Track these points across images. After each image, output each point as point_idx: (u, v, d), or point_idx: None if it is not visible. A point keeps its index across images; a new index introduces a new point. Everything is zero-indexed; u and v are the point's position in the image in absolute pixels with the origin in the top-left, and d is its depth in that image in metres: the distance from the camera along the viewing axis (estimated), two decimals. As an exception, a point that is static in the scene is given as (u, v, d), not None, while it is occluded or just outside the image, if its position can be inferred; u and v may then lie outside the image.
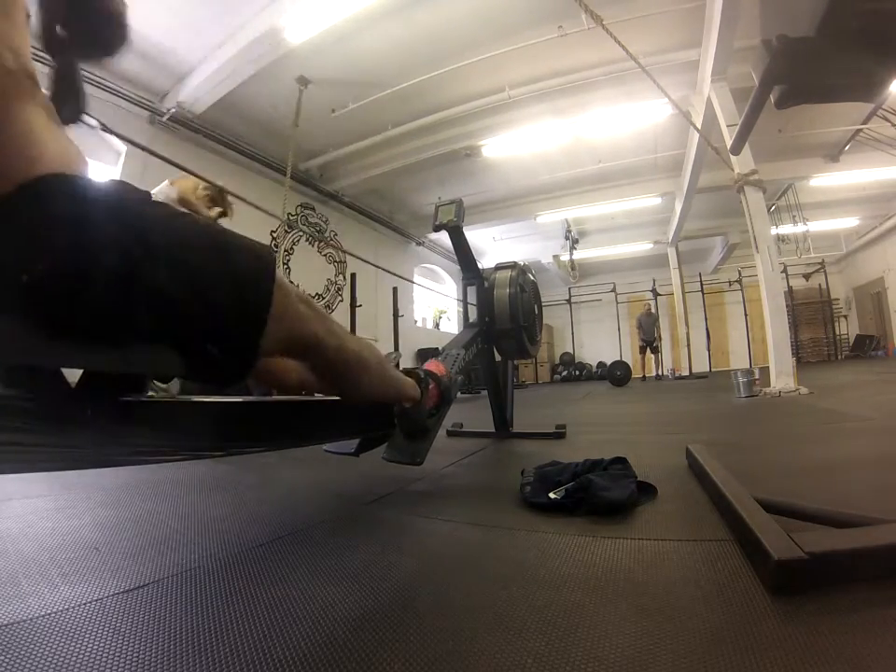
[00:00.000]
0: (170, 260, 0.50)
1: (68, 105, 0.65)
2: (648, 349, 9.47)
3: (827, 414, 2.54)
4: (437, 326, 11.82)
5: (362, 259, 4.60)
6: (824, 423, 2.24)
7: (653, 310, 10.20)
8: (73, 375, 0.56)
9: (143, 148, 2.48)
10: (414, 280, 9.66)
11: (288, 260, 7.16)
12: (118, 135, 2.26)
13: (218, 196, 2.80)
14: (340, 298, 8.13)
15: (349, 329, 4.70)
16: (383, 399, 1.07)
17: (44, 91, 0.50)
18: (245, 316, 0.56)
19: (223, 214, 2.81)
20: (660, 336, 9.66)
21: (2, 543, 0.89)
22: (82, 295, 0.45)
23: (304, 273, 7.32)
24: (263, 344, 0.57)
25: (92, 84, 4.53)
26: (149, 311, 0.49)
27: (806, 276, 12.20)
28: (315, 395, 1.19)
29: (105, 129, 2.05)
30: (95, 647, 0.52)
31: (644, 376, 9.58)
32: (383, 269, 4.87)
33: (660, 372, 9.79)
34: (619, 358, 10.31)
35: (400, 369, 1.17)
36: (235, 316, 0.55)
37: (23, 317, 0.45)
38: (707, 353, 11.58)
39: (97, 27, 0.66)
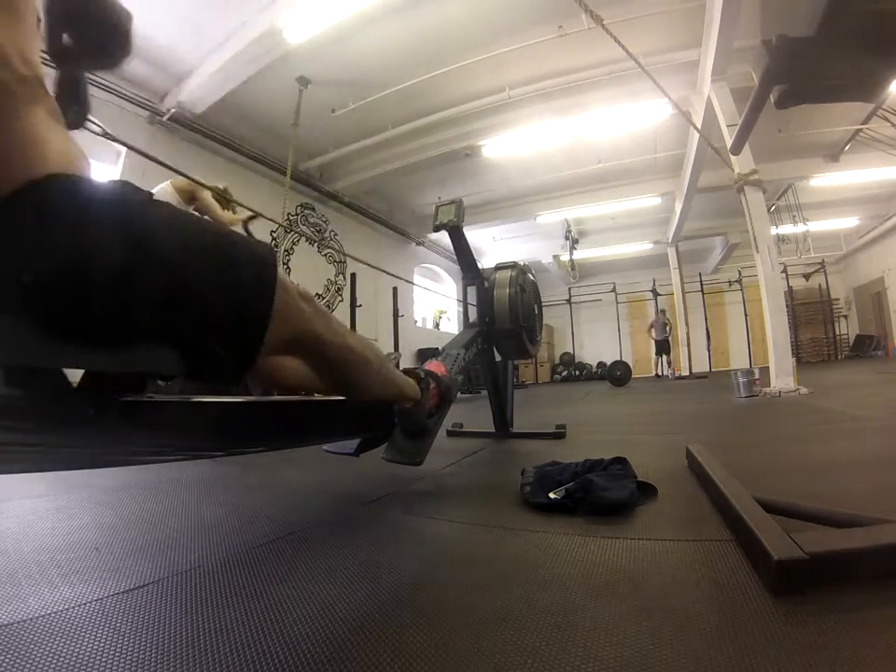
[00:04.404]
0: (172, 260, 0.50)
1: (73, 110, 0.66)
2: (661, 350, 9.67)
3: (827, 414, 2.54)
4: (437, 326, 11.81)
5: (361, 262, 4.60)
6: (824, 423, 2.24)
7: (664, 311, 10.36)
8: (74, 375, 0.56)
9: (140, 153, 2.48)
10: (414, 281, 9.66)
11: (288, 260, 7.16)
12: (120, 142, 2.27)
13: (222, 198, 2.80)
14: (340, 298, 8.12)
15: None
16: (384, 398, 1.07)
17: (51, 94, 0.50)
18: (248, 316, 0.56)
19: (253, 216, 2.82)
20: (671, 337, 9.83)
21: (2, 543, 0.89)
22: (84, 296, 0.45)
23: (304, 272, 7.31)
24: (265, 343, 0.58)
25: (92, 84, 4.53)
26: (151, 311, 0.49)
27: (806, 276, 12.19)
28: (315, 395, 1.19)
29: (108, 136, 2.04)
30: (95, 647, 0.52)
31: (658, 374, 9.75)
32: (381, 269, 4.87)
33: (659, 372, 9.85)
34: (619, 358, 10.32)
35: (400, 369, 1.17)
36: (237, 316, 0.56)
37: (25, 318, 0.45)
38: (707, 353, 11.57)
39: (102, 37, 0.67)
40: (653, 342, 9.84)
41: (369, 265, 4.44)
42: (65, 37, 0.64)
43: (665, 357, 9.82)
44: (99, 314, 0.47)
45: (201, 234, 0.56)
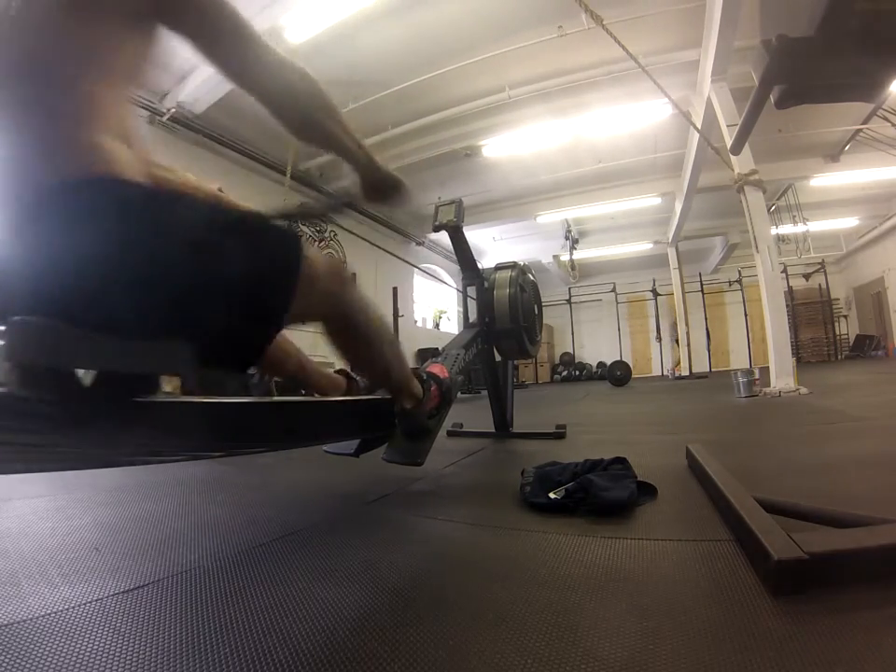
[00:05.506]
0: (207, 245, 0.54)
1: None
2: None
3: (827, 414, 2.54)
4: (437, 326, 11.80)
5: (368, 241, 4.65)
6: (824, 423, 2.24)
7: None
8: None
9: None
10: (414, 282, 9.67)
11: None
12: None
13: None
14: (340, 298, 8.09)
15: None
16: (395, 378, 1.06)
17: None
18: (276, 290, 0.60)
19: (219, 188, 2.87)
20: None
21: (2, 543, 0.89)
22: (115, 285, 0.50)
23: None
24: (292, 312, 0.61)
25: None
26: (181, 295, 0.53)
27: (806, 276, 12.18)
28: (315, 395, 1.19)
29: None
30: (95, 647, 0.52)
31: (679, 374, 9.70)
32: (397, 256, 4.93)
33: (683, 372, 9.75)
34: (619, 358, 10.31)
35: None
36: (267, 291, 0.59)
37: (63, 317, 0.49)
38: (707, 353, 11.56)
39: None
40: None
41: (388, 252, 4.49)
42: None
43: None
44: (124, 302, 0.51)
45: (231, 220, 0.61)
